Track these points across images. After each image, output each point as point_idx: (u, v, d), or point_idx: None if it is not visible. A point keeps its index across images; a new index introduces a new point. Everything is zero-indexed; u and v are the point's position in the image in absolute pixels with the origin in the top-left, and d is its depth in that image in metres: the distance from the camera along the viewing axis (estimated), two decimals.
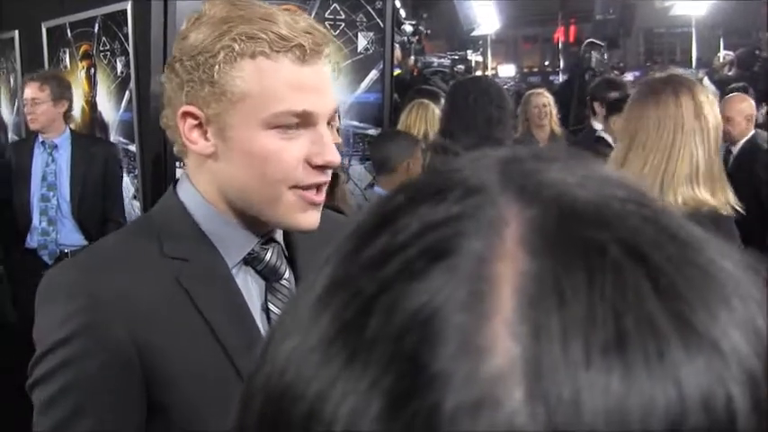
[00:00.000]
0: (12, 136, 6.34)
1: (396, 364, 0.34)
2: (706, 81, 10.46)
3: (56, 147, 4.73)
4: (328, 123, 1.31)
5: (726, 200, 2.43)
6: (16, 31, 6.22)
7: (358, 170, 5.01)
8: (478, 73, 15.87)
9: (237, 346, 1.27)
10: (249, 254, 1.34)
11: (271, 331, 0.42)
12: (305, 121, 1.27)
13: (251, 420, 0.40)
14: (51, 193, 4.69)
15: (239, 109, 1.25)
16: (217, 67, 1.24)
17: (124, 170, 4.96)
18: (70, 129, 4.86)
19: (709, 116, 2.42)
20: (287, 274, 1.38)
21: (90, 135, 5.26)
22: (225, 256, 1.33)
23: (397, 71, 7.66)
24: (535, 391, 0.32)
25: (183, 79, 1.27)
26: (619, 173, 0.42)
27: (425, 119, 4.95)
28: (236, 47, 1.23)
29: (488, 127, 3.95)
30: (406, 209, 0.40)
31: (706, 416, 0.33)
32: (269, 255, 1.36)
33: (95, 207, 4.72)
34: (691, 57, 12.68)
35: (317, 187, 1.30)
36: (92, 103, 5.31)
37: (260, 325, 1.33)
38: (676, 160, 2.38)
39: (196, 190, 1.34)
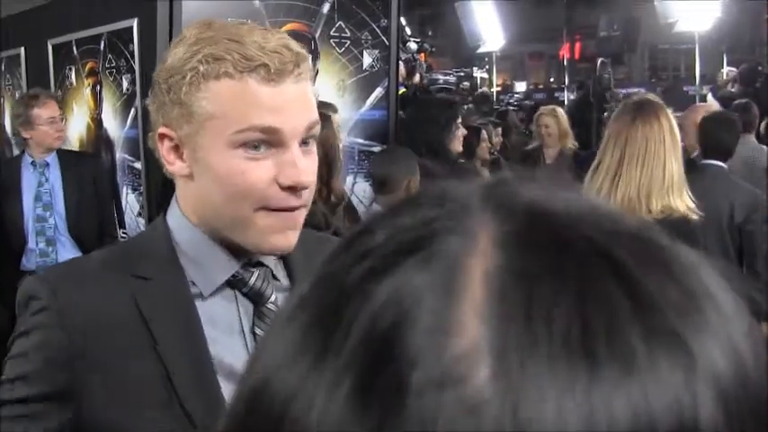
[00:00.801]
0: (16, 152, 6.34)
1: (366, 345, 0.36)
2: (710, 98, 10.45)
3: (47, 165, 4.72)
4: (305, 142, 1.29)
5: (688, 205, 2.84)
6: (22, 48, 6.24)
7: (363, 187, 5.01)
8: (484, 89, 15.88)
9: (182, 370, 1.26)
10: (233, 276, 1.34)
11: (259, 342, 0.43)
12: (273, 140, 1.25)
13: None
14: (48, 213, 4.68)
15: (207, 129, 1.25)
16: (184, 88, 1.25)
17: (129, 187, 4.97)
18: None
19: (677, 133, 2.88)
20: (273, 297, 1.36)
21: (76, 151, 5.28)
22: (207, 279, 1.33)
23: (402, 89, 7.66)
24: (500, 370, 0.33)
25: (159, 101, 1.30)
26: (594, 197, 0.45)
27: None
28: (202, 68, 1.24)
29: (430, 146, 4.15)
30: (384, 219, 0.42)
31: (670, 412, 0.33)
32: (254, 278, 1.35)
33: (91, 223, 4.72)
34: (694, 73, 12.66)
35: (293, 210, 1.28)
36: (97, 120, 5.32)
37: (247, 348, 1.33)
38: (659, 171, 2.80)
39: (182, 213, 1.35)
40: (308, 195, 1.29)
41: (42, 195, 4.68)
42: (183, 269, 1.32)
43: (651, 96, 3.17)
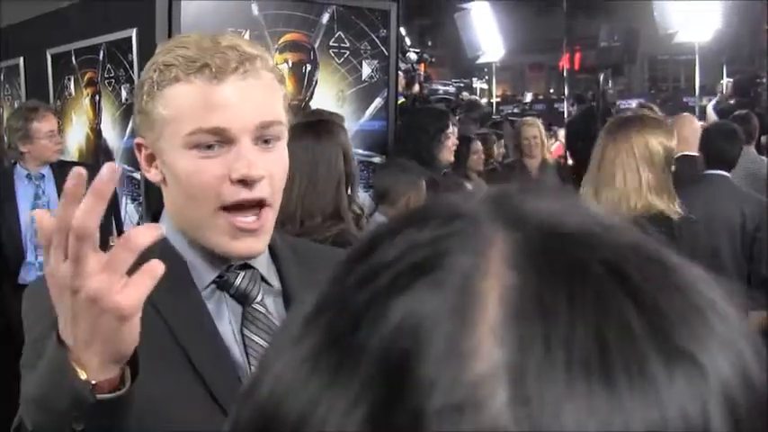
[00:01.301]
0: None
1: (382, 370, 0.35)
2: (709, 109, 10.45)
3: (43, 177, 4.69)
4: (266, 141, 1.32)
5: (672, 206, 3.23)
6: (21, 58, 6.24)
7: (362, 198, 5.00)
8: (484, 100, 15.92)
9: (205, 360, 1.30)
10: (219, 277, 1.37)
11: (261, 359, 0.43)
12: (223, 138, 1.29)
13: None
14: None
15: (166, 134, 1.32)
16: (144, 97, 1.34)
17: (129, 197, 4.96)
18: None
19: (654, 146, 3.27)
20: (260, 298, 1.39)
21: (71, 162, 5.22)
22: (195, 280, 1.36)
23: (401, 99, 7.66)
24: (518, 394, 0.33)
25: (134, 113, 1.40)
26: (597, 206, 0.45)
27: None
28: (155, 77, 1.31)
29: (418, 155, 4.28)
30: (394, 232, 0.41)
31: (685, 430, 0.34)
32: (239, 279, 1.38)
33: None
34: (694, 84, 12.72)
35: (255, 213, 1.31)
36: (96, 131, 5.32)
37: (236, 349, 1.35)
38: (635, 179, 3.22)
39: (168, 218, 1.40)
40: (264, 191, 1.31)
41: (41, 208, 4.64)
42: (186, 266, 1.36)
43: (649, 108, 3.73)
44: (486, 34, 15.61)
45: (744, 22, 14.62)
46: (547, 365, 0.33)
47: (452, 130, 4.82)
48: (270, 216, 1.33)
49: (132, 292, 1.00)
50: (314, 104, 4.68)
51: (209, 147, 1.29)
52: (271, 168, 1.31)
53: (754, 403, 0.36)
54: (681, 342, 0.35)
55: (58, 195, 4.54)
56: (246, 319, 1.37)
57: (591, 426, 0.32)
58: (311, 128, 3.00)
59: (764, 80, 11.57)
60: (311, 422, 0.36)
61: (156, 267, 1.01)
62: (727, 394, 0.35)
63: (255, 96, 1.31)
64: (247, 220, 1.30)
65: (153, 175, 1.38)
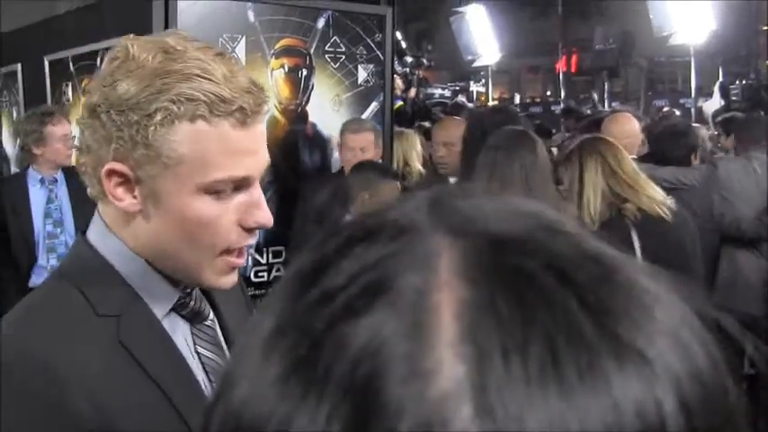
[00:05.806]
0: (14, 169, 6.34)
1: (349, 395, 0.36)
2: (706, 107, 10.45)
3: (56, 181, 4.69)
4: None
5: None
6: (19, 65, 6.25)
7: None
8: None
9: (183, 398, 1.23)
10: (177, 301, 1.31)
11: (219, 381, 0.43)
12: (241, 185, 1.22)
13: None
14: (59, 230, 4.63)
15: (175, 173, 1.18)
16: (153, 128, 1.15)
17: None
18: None
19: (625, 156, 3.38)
20: (211, 315, 1.37)
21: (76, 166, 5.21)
22: (154, 306, 1.28)
23: (398, 103, 7.67)
24: (482, 407, 0.34)
25: (112, 134, 1.18)
26: (535, 204, 0.45)
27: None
28: (175, 109, 1.15)
29: None
30: (343, 251, 0.42)
31: (639, 422, 0.35)
32: (193, 300, 1.34)
33: None
34: (690, 86, 12.74)
35: (241, 249, 1.28)
36: None
37: (195, 364, 1.31)
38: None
39: (121, 241, 1.27)
40: (257, 233, 1.31)
41: (53, 212, 4.64)
42: (142, 299, 1.27)
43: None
44: (482, 38, 15.63)
45: (738, 24, 14.65)
46: (506, 376, 0.35)
47: None
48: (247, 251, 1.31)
49: None
50: (310, 109, 4.70)
51: (225, 192, 1.21)
52: None
53: (705, 394, 0.38)
54: (629, 338, 0.36)
55: (71, 200, 4.59)
56: (196, 336, 1.34)
57: (553, 428, 0.34)
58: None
59: (753, 80, 11.63)
60: None
61: None
62: (677, 386, 0.36)
63: (265, 138, 1.26)
64: (241, 261, 1.28)
65: (128, 204, 1.21)
